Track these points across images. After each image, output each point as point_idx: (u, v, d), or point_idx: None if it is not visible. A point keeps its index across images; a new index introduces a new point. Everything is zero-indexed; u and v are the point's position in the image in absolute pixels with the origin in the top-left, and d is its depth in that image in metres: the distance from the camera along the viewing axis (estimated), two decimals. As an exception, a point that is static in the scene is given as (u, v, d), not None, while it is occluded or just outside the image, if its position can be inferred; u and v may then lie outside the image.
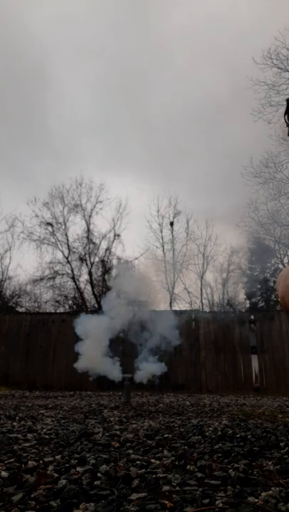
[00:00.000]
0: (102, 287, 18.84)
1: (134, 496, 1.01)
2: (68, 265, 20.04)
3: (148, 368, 4.62)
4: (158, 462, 1.39)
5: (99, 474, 1.21)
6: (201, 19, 22.61)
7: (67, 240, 20.17)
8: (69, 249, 20.11)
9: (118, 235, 20.48)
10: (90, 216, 20.59)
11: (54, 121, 27.53)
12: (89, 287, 19.96)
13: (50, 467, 1.32)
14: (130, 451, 1.58)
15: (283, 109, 1.55)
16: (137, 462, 1.38)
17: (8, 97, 23.89)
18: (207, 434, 2.06)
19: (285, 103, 1.53)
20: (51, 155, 28.06)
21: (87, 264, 20.23)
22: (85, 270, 20.26)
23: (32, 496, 1.03)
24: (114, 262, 20.17)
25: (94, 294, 19.32)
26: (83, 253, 20.32)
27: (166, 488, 1.08)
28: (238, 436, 1.99)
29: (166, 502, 0.96)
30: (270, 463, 1.38)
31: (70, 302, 19.93)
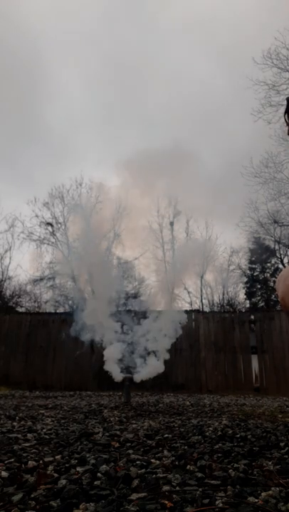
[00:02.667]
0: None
1: (134, 496, 1.01)
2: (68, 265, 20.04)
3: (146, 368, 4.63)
4: (158, 462, 1.39)
5: (99, 474, 1.21)
6: (199, 14, 22.54)
7: (68, 239, 20.17)
8: (69, 249, 20.10)
9: (118, 235, 20.49)
10: (90, 216, 20.57)
11: (52, 120, 27.46)
12: (89, 287, 19.97)
13: (50, 467, 1.32)
14: (130, 451, 1.58)
15: (283, 109, 1.55)
16: (137, 462, 1.38)
17: (6, 95, 23.83)
18: (207, 434, 2.06)
19: (285, 102, 1.53)
20: (50, 154, 28.07)
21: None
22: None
23: (32, 496, 1.03)
24: (115, 262, 20.18)
25: (94, 293, 19.30)
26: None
27: (166, 488, 1.08)
28: (238, 436, 1.99)
29: (166, 502, 0.96)
30: (270, 463, 1.38)
31: (70, 302, 19.95)
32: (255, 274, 24.27)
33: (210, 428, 2.27)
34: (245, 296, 24.39)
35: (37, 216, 19.82)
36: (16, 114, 26.41)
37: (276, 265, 23.38)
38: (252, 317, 8.50)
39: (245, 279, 24.05)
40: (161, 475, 1.20)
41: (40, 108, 27.18)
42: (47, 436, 1.99)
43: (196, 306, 21.24)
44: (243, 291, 24.22)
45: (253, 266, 24.35)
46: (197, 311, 9.63)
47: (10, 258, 22.11)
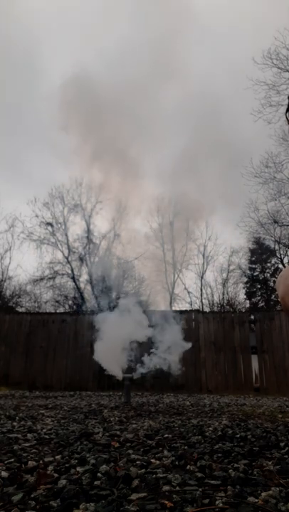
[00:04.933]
0: (102, 287, 18.88)
1: (134, 496, 1.01)
2: (68, 265, 20.07)
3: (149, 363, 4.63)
4: (158, 462, 1.39)
5: (99, 474, 1.21)
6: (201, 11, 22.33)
7: (67, 239, 20.19)
8: (69, 249, 20.14)
9: (118, 235, 20.51)
10: (90, 216, 20.63)
11: (50, 117, 27.28)
12: (89, 287, 20.01)
13: (50, 467, 1.31)
14: (130, 451, 1.58)
15: (283, 109, 1.55)
16: (137, 462, 1.38)
17: (4, 91, 23.67)
18: (207, 434, 2.06)
19: (285, 102, 1.53)
20: (49, 152, 28.00)
21: (87, 264, 20.26)
22: (85, 270, 20.29)
23: (32, 495, 1.03)
24: (114, 261, 20.21)
25: (94, 294, 19.35)
26: (83, 253, 20.35)
27: (166, 488, 1.08)
28: (238, 436, 1.99)
29: (166, 502, 0.96)
30: (270, 463, 1.38)
31: (70, 302, 19.97)
32: (255, 274, 24.28)
33: (210, 428, 2.27)
34: (245, 296, 24.41)
35: (37, 216, 19.85)
36: (15, 113, 26.33)
37: (276, 265, 23.40)
38: (252, 317, 8.50)
39: (245, 279, 24.06)
40: (161, 475, 1.20)
41: (39, 106, 27.06)
42: (47, 436, 1.99)
43: (196, 306, 21.26)
44: (243, 291, 24.24)
45: (253, 266, 24.36)
46: (197, 311, 9.63)
47: (10, 258, 22.17)
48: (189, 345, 5.06)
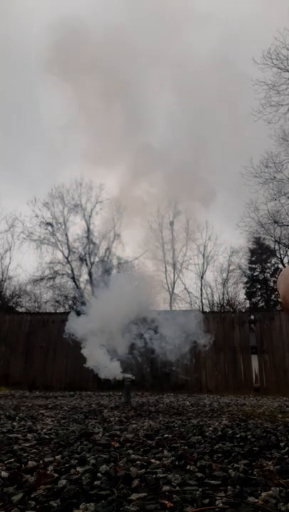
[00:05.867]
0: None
1: (134, 496, 1.01)
2: (68, 265, 20.07)
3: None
4: (158, 462, 1.39)
5: (99, 474, 1.21)
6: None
7: (67, 239, 20.19)
8: (69, 249, 20.14)
9: (118, 235, 20.51)
10: (90, 216, 20.63)
11: (49, 116, 27.21)
12: (89, 287, 20.00)
13: (50, 467, 1.32)
14: (130, 451, 1.58)
15: (283, 109, 1.54)
16: (137, 462, 1.38)
17: (4, 91, 23.60)
18: (207, 434, 2.06)
19: (286, 101, 1.53)
20: (48, 152, 27.95)
21: (87, 264, 20.26)
22: (85, 270, 20.28)
23: (32, 495, 1.03)
24: (114, 262, 20.21)
25: (94, 294, 19.34)
26: (83, 253, 20.35)
27: (166, 488, 1.08)
28: (238, 436, 1.99)
29: (166, 502, 0.96)
30: (270, 463, 1.38)
31: (70, 302, 19.96)
32: (255, 274, 24.27)
33: (210, 428, 2.27)
34: (245, 296, 24.40)
35: (37, 216, 19.86)
36: (15, 113, 26.29)
37: (276, 265, 23.39)
38: (252, 317, 8.50)
39: (245, 279, 24.05)
40: (161, 475, 1.20)
41: (39, 105, 27.01)
42: (47, 436, 1.99)
43: (196, 306, 21.26)
44: (243, 291, 24.24)
45: (253, 266, 24.35)
46: (197, 311, 9.63)
47: (10, 258, 22.18)
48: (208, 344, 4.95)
